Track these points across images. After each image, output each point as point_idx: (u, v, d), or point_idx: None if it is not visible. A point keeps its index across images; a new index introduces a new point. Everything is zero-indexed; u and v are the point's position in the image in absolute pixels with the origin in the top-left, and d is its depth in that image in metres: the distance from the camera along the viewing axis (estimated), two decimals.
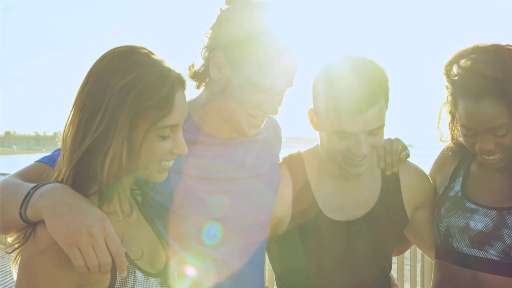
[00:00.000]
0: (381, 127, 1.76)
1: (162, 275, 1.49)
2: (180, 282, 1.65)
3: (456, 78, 1.82)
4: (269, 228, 1.90)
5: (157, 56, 1.42)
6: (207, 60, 1.67)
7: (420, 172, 2.05)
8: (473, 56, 1.81)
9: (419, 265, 4.96)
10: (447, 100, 1.91)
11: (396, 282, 2.14)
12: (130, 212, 1.47)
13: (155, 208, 1.70)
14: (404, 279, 4.96)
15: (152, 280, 1.44)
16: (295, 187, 1.91)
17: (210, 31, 1.69)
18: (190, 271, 1.72)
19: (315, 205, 1.91)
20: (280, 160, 1.98)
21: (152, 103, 1.35)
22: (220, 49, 1.63)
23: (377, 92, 1.71)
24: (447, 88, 1.88)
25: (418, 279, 4.93)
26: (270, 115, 1.74)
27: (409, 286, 4.98)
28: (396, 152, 1.98)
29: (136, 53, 1.39)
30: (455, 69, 1.83)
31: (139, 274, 1.40)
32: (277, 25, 1.62)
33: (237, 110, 1.66)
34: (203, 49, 1.69)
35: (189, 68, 1.73)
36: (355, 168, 1.81)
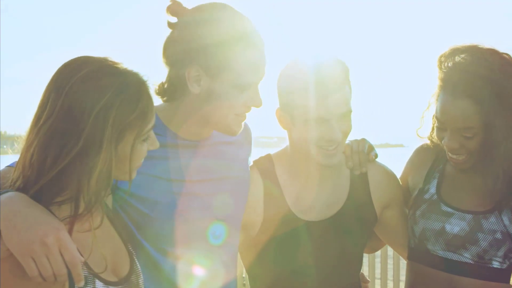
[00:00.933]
0: (349, 113, 1.81)
1: (124, 282, 1.49)
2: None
3: (446, 71, 1.82)
4: (240, 231, 1.90)
5: (123, 65, 1.45)
6: (179, 77, 1.68)
7: (388, 172, 2.06)
8: (468, 54, 1.80)
9: (390, 261, 4.98)
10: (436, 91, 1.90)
11: (367, 279, 2.14)
12: (100, 223, 1.46)
13: (128, 212, 1.69)
14: (376, 276, 4.98)
15: None
16: (266, 189, 1.93)
17: (170, 45, 1.69)
18: (159, 273, 1.72)
19: (286, 206, 1.91)
20: (251, 162, 1.99)
21: (136, 115, 1.40)
22: (193, 64, 1.64)
23: (342, 78, 1.78)
24: (438, 79, 1.87)
25: (389, 276, 4.95)
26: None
27: (380, 284, 5.00)
28: (363, 152, 1.99)
29: (105, 69, 1.41)
30: (447, 63, 1.83)
31: (98, 284, 1.39)
32: (240, 22, 1.67)
33: (226, 114, 1.70)
34: (170, 65, 1.70)
35: (159, 86, 1.72)
36: (329, 158, 1.81)
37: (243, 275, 4.51)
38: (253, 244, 1.93)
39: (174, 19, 1.69)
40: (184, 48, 1.65)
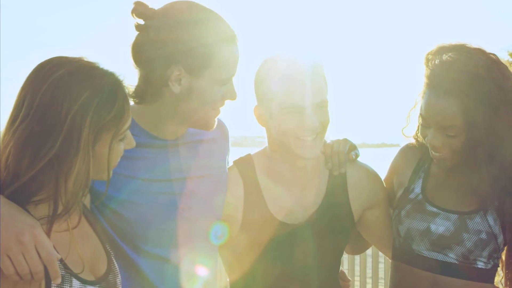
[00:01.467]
0: (326, 104, 1.82)
1: (101, 281, 1.49)
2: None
3: (432, 68, 1.81)
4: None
5: (99, 65, 1.45)
6: (155, 78, 1.66)
7: (369, 172, 2.04)
8: (455, 53, 1.79)
9: (369, 260, 5.01)
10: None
11: (348, 278, 2.13)
12: (77, 224, 1.47)
13: (104, 212, 1.69)
14: (355, 273, 5.00)
15: None
16: (246, 190, 1.91)
17: (142, 47, 1.67)
18: (137, 273, 1.71)
19: (265, 207, 1.90)
20: (230, 161, 1.99)
21: (112, 116, 1.41)
22: (175, 64, 1.64)
23: (317, 69, 1.81)
24: (424, 77, 1.86)
25: (368, 274, 4.98)
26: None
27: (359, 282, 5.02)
28: (343, 152, 1.97)
29: (81, 70, 1.41)
30: (434, 60, 1.82)
31: (75, 283, 1.40)
32: (218, 20, 1.69)
33: (207, 110, 1.72)
34: (142, 67, 1.68)
35: (136, 90, 1.70)
36: (308, 150, 1.81)
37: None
38: (233, 245, 1.91)
39: (141, 21, 1.67)
40: (164, 50, 1.64)
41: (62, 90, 1.36)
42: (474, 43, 1.83)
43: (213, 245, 1.86)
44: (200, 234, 1.81)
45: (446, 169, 1.90)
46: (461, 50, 1.79)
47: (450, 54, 1.79)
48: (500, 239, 1.82)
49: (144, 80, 1.68)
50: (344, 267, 5.04)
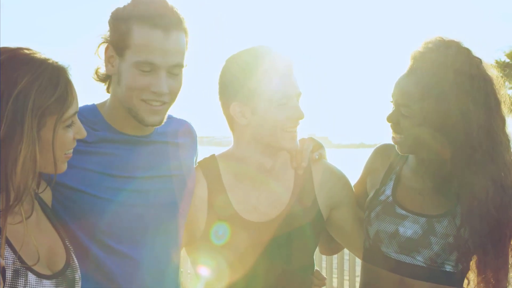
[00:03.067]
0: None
1: (58, 276, 1.48)
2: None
3: (412, 53, 1.86)
4: (184, 231, 1.89)
5: (37, 52, 1.45)
6: (103, 60, 1.74)
7: (335, 172, 2.05)
8: (437, 43, 1.84)
9: (347, 257, 5.03)
10: None
11: (324, 276, 2.12)
12: (30, 213, 1.47)
13: (68, 207, 1.68)
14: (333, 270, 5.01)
15: (46, 282, 1.43)
16: (210, 190, 1.91)
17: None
18: (99, 271, 1.71)
19: (230, 206, 1.90)
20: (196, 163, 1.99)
21: (55, 99, 1.41)
22: (108, 43, 1.70)
23: (292, 61, 1.86)
24: None
25: (346, 272, 4.99)
26: (185, 122, 1.87)
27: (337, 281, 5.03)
28: (307, 151, 1.98)
29: (20, 56, 1.42)
30: (419, 48, 1.86)
31: (31, 277, 1.39)
32: (149, 0, 1.70)
33: (130, 96, 1.69)
34: (96, 50, 1.75)
35: (95, 71, 1.77)
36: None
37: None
38: (198, 245, 1.91)
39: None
40: (107, 31, 1.73)
41: (1, 78, 1.36)
42: (466, 43, 1.85)
43: (176, 244, 1.87)
44: (164, 233, 1.80)
45: (402, 153, 1.93)
46: (445, 42, 1.84)
47: (433, 43, 1.84)
48: (469, 243, 1.81)
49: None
50: (323, 265, 5.06)
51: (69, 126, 1.47)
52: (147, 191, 1.77)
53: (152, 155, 1.81)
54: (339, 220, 2.03)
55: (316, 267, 2.07)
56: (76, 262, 1.56)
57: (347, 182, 2.07)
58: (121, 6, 1.72)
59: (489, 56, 1.92)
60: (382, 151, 2.08)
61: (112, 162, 1.73)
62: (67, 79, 1.46)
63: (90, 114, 1.73)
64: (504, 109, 1.82)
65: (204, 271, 1.95)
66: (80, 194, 1.68)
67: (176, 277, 1.89)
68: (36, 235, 1.46)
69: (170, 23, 1.68)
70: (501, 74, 1.87)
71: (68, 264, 1.53)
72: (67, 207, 1.68)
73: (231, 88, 1.86)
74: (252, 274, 1.88)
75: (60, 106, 1.42)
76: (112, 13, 1.73)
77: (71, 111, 1.46)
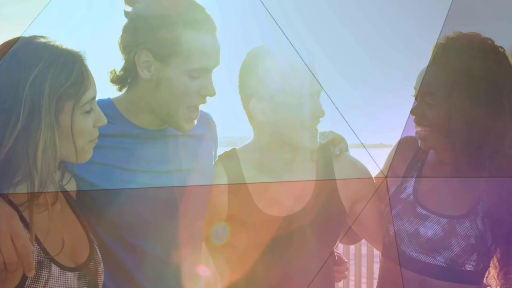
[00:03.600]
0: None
1: (82, 268, 1.48)
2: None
3: (435, 46, 1.86)
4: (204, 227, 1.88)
5: (53, 40, 1.46)
6: (130, 63, 1.68)
7: (356, 165, 2.03)
8: (462, 36, 1.83)
9: (364, 259, 5.00)
10: None
11: (345, 259, 2.10)
12: (54, 201, 1.47)
13: (88, 204, 1.67)
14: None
15: (69, 274, 1.43)
16: (230, 184, 1.90)
17: (124, 35, 1.70)
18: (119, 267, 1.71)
19: (251, 200, 1.88)
20: (216, 157, 1.98)
21: (71, 83, 1.41)
22: (143, 48, 1.65)
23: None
24: None
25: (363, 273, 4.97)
26: (204, 112, 1.82)
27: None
28: (328, 145, 1.98)
29: (34, 43, 1.43)
30: (441, 40, 1.86)
31: (54, 268, 1.40)
32: (191, 7, 1.68)
33: (175, 104, 1.68)
34: (122, 53, 1.70)
35: (111, 73, 1.73)
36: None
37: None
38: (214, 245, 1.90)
39: (129, 9, 1.71)
40: (135, 36, 1.66)
41: (15, 64, 1.37)
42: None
43: (197, 241, 1.86)
44: (183, 229, 1.79)
45: (427, 148, 1.90)
46: (470, 35, 1.83)
47: (457, 36, 1.83)
48: (490, 242, 1.81)
49: (123, 66, 1.71)
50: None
51: (88, 112, 1.46)
52: (165, 187, 1.76)
53: (170, 148, 1.80)
54: (361, 213, 2.01)
55: (336, 252, 2.06)
56: (99, 255, 1.56)
57: (369, 175, 2.06)
58: (145, 8, 1.68)
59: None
60: (404, 145, 2.05)
61: (130, 156, 1.73)
62: (82, 64, 1.46)
63: (106, 108, 1.70)
64: None
65: (221, 268, 1.94)
66: (96, 188, 1.67)
67: (194, 273, 1.87)
68: (60, 227, 1.46)
69: (213, 26, 1.69)
70: None
71: (91, 256, 1.53)
72: (85, 202, 1.67)
73: (251, 84, 1.85)
74: (269, 267, 1.87)
75: (77, 90, 1.42)
76: (137, 16, 1.69)
77: (88, 95, 1.45)
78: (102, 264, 1.56)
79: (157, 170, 1.75)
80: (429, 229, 1.83)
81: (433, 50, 1.85)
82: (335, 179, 1.96)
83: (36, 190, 1.36)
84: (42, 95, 1.35)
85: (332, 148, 1.98)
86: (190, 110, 1.70)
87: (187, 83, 1.65)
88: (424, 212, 1.86)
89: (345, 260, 2.09)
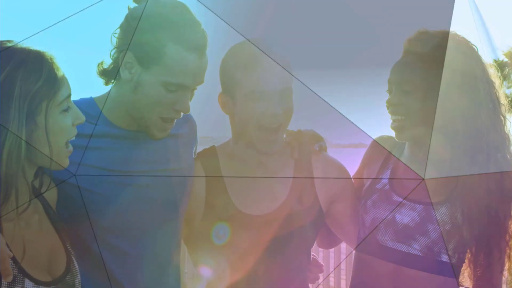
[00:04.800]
0: (290, 91, 1.80)
1: (57, 282, 1.45)
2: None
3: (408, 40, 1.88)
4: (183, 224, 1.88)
5: (17, 44, 1.46)
6: (116, 60, 1.68)
7: (336, 164, 2.01)
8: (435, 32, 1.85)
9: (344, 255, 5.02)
10: None
11: (321, 262, 2.09)
12: (25, 208, 1.43)
13: (72, 208, 1.66)
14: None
15: None
16: (208, 182, 1.88)
17: (118, 31, 1.70)
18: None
19: (229, 199, 1.87)
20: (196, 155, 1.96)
21: (42, 83, 1.40)
22: (129, 50, 1.64)
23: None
24: None
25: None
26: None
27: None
28: (307, 143, 1.96)
29: (1, 48, 1.42)
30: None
31: (28, 284, 1.36)
32: (186, 22, 1.66)
33: (148, 111, 1.67)
34: (112, 49, 1.70)
35: (98, 65, 1.73)
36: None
37: None
38: (196, 237, 1.89)
39: (133, 5, 1.72)
40: (125, 36, 1.67)
41: None
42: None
43: (177, 241, 1.85)
44: (164, 229, 1.78)
45: (403, 140, 1.90)
46: (442, 31, 1.83)
47: (422, 30, 1.85)
48: (466, 234, 1.81)
49: (112, 61, 1.71)
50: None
51: (66, 110, 1.46)
52: (147, 186, 1.74)
53: (151, 149, 1.78)
54: (338, 213, 2.00)
55: (313, 254, 2.04)
56: (77, 267, 1.54)
57: (347, 174, 2.04)
58: (142, 10, 1.66)
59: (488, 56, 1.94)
60: (380, 141, 2.04)
61: (112, 157, 1.71)
62: (51, 63, 1.45)
63: (88, 107, 1.70)
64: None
65: (205, 270, 1.91)
66: (81, 190, 1.66)
67: (177, 275, 1.87)
68: (36, 238, 1.44)
69: (204, 45, 1.67)
70: (499, 74, 1.88)
71: (68, 269, 1.50)
72: (67, 205, 1.65)
73: (220, 77, 1.85)
74: (252, 271, 1.84)
75: (49, 89, 1.41)
76: (132, 16, 1.67)
77: (63, 93, 1.44)
78: (79, 276, 1.53)
79: (136, 170, 1.74)
80: (405, 216, 1.83)
81: (405, 44, 1.86)
82: (313, 177, 1.94)
83: (1, 196, 1.34)
84: (12, 98, 1.35)
85: (311, 146, 1.96)
86: (164, 121, 1.69)
87: (163, 94, 1.65)
88: (400, 199, 1.86)
89: (321, 263, 2.07)
